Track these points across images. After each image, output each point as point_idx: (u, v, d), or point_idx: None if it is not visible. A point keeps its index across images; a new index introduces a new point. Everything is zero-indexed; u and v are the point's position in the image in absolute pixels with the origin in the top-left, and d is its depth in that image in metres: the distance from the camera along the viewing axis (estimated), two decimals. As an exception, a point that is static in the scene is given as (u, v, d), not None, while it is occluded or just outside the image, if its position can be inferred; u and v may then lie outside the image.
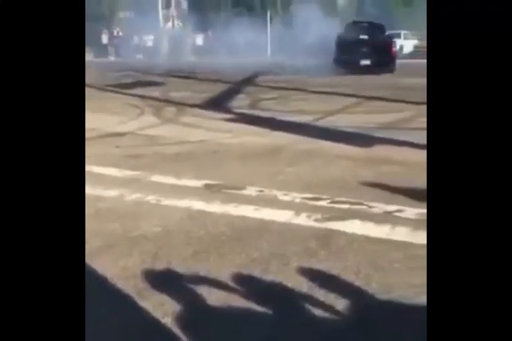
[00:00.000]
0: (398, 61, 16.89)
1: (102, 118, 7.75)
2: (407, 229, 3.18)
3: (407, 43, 24.90)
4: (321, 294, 2.40)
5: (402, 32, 25.53)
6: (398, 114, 7.90)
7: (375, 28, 17.34)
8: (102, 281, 2.57)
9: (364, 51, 16.30)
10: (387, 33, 18.12)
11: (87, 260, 2.56)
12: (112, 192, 4.02)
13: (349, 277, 2.57)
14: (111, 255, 2.86)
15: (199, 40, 30.27)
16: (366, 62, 16.28)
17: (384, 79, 14.54)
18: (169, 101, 9.93)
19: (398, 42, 24.39)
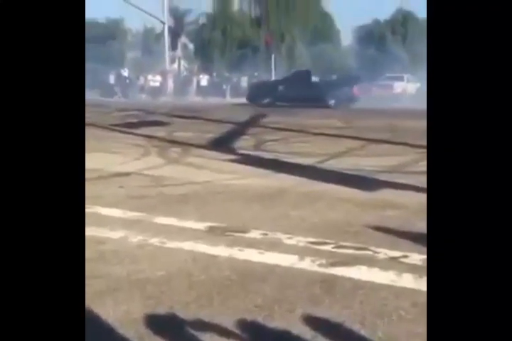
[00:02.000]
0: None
1: (106, 158, 7.80)
2: (413, 275, 3.15)
3: (410, 86, 25.45)
4: (325, 343, 2.37)
5: (405, 75, 26.30)
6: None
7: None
8: (103, 326, 2.53)
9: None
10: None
11: (89, 303, 2.53)
12: (116, 234, 4.01)
13: (354, 326, 2.53)
14: (113, 299, 2.83)
15: (204, 81, 30.73)
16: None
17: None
18: (174, 142, 10.00)
19: (400, 85, 25.08)
